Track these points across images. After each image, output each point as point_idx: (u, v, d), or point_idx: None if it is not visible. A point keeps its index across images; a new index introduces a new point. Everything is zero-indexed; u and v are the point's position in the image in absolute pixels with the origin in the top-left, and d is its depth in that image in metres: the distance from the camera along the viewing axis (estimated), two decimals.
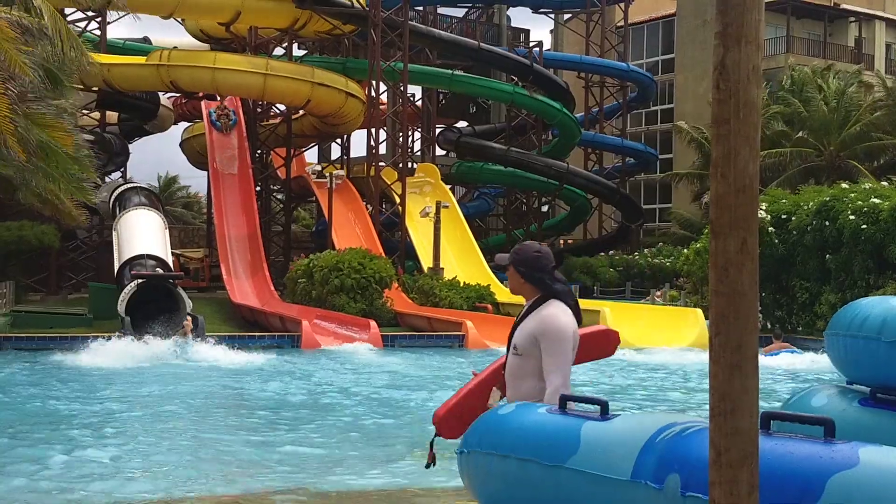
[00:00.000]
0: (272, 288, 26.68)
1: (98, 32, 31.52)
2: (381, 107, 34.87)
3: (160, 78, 29.44)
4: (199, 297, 27.01)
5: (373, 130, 31.83)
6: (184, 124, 40.38)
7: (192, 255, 35.88)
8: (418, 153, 41.19)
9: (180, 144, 39.13)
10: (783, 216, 22.77)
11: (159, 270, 22.43)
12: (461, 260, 30.62)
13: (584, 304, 22.56)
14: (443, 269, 28.09)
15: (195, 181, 79.12)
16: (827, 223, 21.63)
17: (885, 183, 24.54)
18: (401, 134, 34.33)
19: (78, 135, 15.77)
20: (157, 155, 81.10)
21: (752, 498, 1.64)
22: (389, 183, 32.05)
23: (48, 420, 10.91)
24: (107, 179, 33.46)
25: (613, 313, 22.43)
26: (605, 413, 2.90)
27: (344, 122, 31.92)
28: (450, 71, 36.67)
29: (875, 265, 20.99)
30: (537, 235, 41.47)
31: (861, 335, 3.18)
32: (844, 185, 23.34)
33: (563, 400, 3.08)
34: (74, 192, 14.55)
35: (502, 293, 27.95)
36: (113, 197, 28.21)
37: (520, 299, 4.16)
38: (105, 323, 21.02)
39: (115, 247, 24.21)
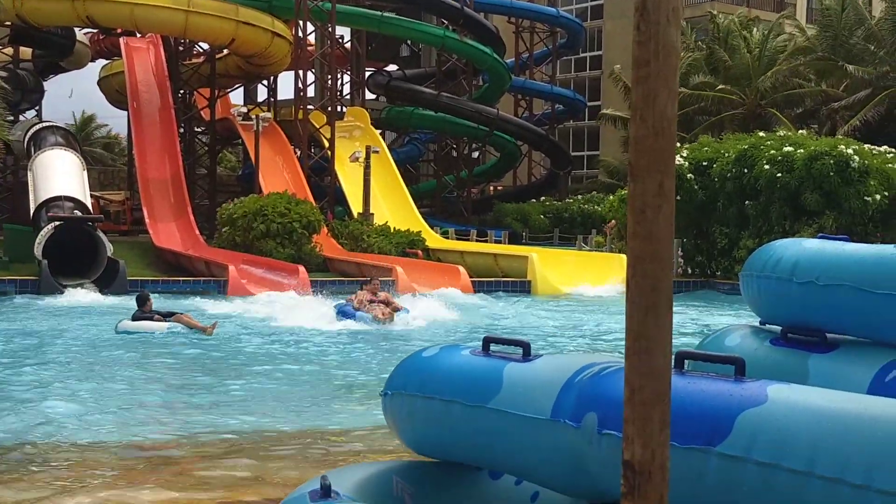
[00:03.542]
0: (197, 232, 26.23)
1: None
2: (309, 48, 34.20)
3: (76, 13, 28.29)
4: (121, 240, 26.42)
5: (300, 72, 31.23)
6: (102, 61, 39.07)
7: (112, 197, 35.10)
8: (347, 97, 40.65)
9: (98, 82, 37.87)
10: (704, 164, 23.24)
11: (78, 213, 21.85)
12: (391, 206, 30.51)
13: (512, 249, 22.69)
14: (373, 214, 27.96)
15: (114, 121, 76.61)
16: (745, 171, 22.19)
17: (802, 131, 25.20)
18: (329, 76, 33.77)
19: None
20: (73, 93, 78.01)
21: (663, 434, 1.67)
22: (318, 126, 31.59)
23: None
24: (21, 118, 32.26)
25: (541, 258, 22.70)
26: (527, 355, 2.94)
27: (270, 62, 31.23)
28: (379, 13, 36.09)
29: (791, 211, 21.67)
30: (467, 181, 41.55)
31: (774, 276, 3.27)
32: (762, 134, 23.90)
33: (487, 342, 3.11)
34: None
35: (433, 239, 28.00)
36: (27, 136, 27.22)
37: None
38: (22, 266, 20.43)
39: (30, 188, 23.44)
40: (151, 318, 13.62)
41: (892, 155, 22.44)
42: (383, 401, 3.32)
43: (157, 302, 14.53)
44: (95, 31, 35.73)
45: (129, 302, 15.26)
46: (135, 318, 13.66)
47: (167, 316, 13.76)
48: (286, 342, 12.93)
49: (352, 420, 8.01)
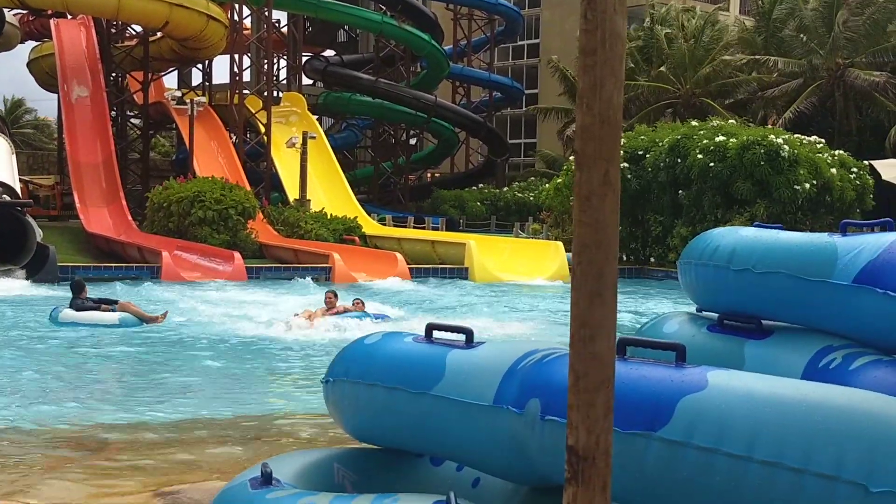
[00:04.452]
0: (129, 217, 25.69)
1: None
2: (245, 32, 33.68)
3: None
4: (51, 226, 25.76)
5: (236, 56, 30.74)
6: (31, 43, 37.93)
7: (42, 181, 34.27)
8: (284, 82, 40.15)
9: (27, 64, 36.79)
10: (640, 153, 23.56)
11: (6, 197, 21.24)
12: (328, 192, 30.28)
13: (450, 236, 22.62)
14: (309, 200, 27.71)
15: (44, 104, 74.52)
16: (679, 160, 22.59)
17: (732, 121, 25.72)
18: (265, 61, 33.31)
19: None
20: (1, 75, 75.79)
21: (607, 420, 1.69)
22: (254, 112, 31.16)
23: None
24: None
25: (478, 245, 22.78)
26: (469, 342, 2.94)
27: (205, 46, 30.67)
28: None
29: (723, 200, 22.13)
30: (405, 168, 41.44)
31: (711, 263, 3.34)
32: (694, 123, 24.32)
33: (430, 329, 3.11)
34: None
35: (370, 226, 27.87)
36: None
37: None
38: None
39: None
40: (98, 308, 12.52)
41: (820, 145, 23.07)
42: (324, 388, 3.30)
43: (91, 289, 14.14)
44: (25, 12, 34.68)
45: (58, 290, 14.89)
46: (77, 308, 12.55)
47: (112, 304, 12.74)
48: (229, 332, 12.74)
49: (293, 407, 7.96)
